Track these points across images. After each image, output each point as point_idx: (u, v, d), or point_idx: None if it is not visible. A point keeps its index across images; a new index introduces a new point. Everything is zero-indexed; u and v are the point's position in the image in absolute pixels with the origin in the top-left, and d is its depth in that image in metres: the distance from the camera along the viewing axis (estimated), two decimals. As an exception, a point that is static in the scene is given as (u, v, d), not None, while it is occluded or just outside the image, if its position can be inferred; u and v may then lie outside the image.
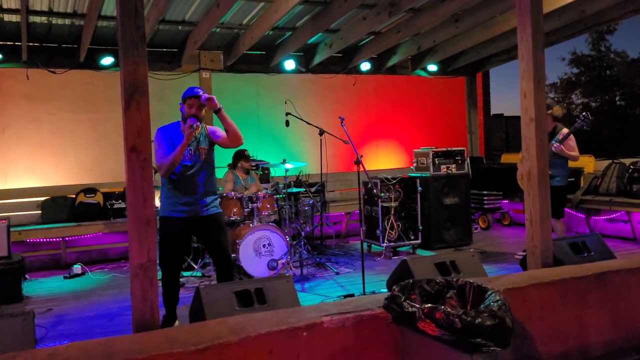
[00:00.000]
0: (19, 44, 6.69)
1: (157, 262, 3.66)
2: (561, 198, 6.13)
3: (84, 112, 7.78)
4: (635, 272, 3.68)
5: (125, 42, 2.91)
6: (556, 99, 25.89)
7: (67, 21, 6.48)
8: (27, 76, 7.16)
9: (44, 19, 6.32)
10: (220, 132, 4.26)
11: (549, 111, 6.10)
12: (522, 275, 3.66)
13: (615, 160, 7.76)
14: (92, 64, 7.27)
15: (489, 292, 2.79)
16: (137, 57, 2.92)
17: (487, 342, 2.45)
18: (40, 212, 7.18)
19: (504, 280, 3.45)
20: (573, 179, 6.67)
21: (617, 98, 24.66)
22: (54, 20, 6.42)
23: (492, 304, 2.64)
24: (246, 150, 6.61)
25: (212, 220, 4.20)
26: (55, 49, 7.17)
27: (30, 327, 3.00)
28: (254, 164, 7.09)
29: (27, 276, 6.16)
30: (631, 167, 7.38)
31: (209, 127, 4.34)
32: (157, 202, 6.98)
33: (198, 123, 4.03)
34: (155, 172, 6.27)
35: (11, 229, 5.79)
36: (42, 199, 7.24)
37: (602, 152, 14.62)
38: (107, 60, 7.26)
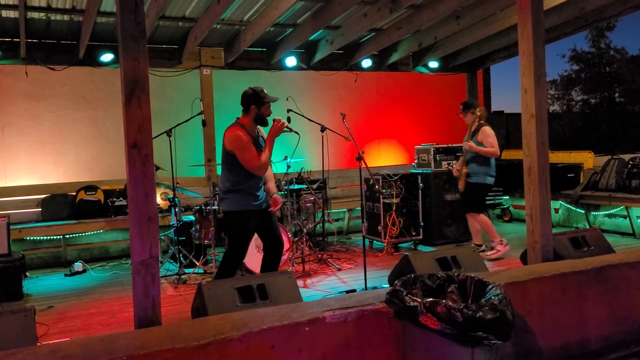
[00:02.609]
0: (17, 40, 6.67)
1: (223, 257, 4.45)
2: (477, 195, 6.22)
3: (84, 109, 7.77)
4: (634, 266, 3.70)
5: (125, 38, 2.91)
6: (556, 96, 25.88)
7: (66, 17, 6.45)
8: (26, 73, 7.14)
9: (42, 14, 6.30)
10: None
11: (470, 112, 6.24)
12: (522, 270, 3.68)
13: (614, 156, 7.76)
14: (91, 60, 7.25)
15: (489, 286, 2.80)
16: (137, 52, 2.92)
17: (488, 336, 2.46)
18: (40, 209, 7.17)
19: (505, 274, 3.47)
20: (493, 178, 6.49)
21: (616, 95, 24.60)
22: (53, 16, 6.40)
23: (492, 297, 2.65)
24: None
25: (268, 210, 4.61)
26: (54, 46, 7.15)
27: (31, 323, 3.00)
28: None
29: (27, 274, 6.17)
30: (630, 162, 7.39)
31: (263, 132, 4.66)
32: (159, 200, 7.03)
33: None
34: (157, 169, 6.29)
35: (11, 227, 5.79)
36: (42, 196, 7.23)
37: (602, 148, 14.65)
38: (106, 57, 7.23)
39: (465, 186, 6.27)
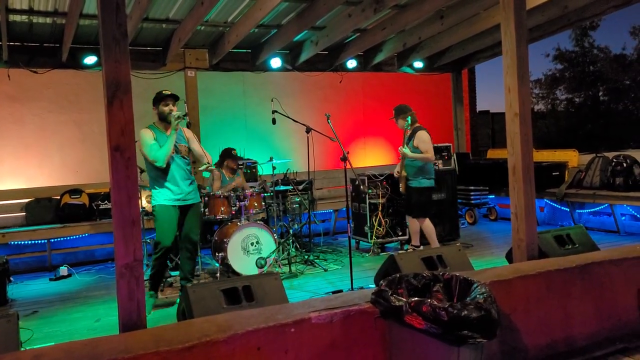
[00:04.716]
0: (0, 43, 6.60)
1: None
2: (417, 198, 6.21)
3: (68, 112, 7.70)
4: (618, 263, 3.73)
5: (107, 39, 2.88)
6: (541, 95, 26.12)
7: (49, 20, 6.39)
8: (9, 76, 7.05)
9: (24, 17, 6.23)
10: (196, 144, 5.13)
11: (401, 117, 6.31)
12: (507, 268, 3.70)
13: (598, 154, 7.84)
14: (74, 63, 7.17)
15: (474, 285, 2.81)
16: (118, 54, 2.89)
17: (474, 334, 2.47)
18: (24, 214, 7.09)
19: (490, 273, 3.48)
20: (432, 180, 6.28)
21: (600, 93, 24.87)
22: (35, 19, 6.33)
23: (478, 296, 2.66)
24: (234, 150, 6.59)
25: (193, 208, 5.02)
26: (36, 49, 7.06)
27: (14, 329, 2.96)
28: (240, 163, 7.07)
29: (11, 279, 6.08)
30: (614, 160, 7.46)
31: (185, 130, 5.11)
32: (145, 203, 6.97)
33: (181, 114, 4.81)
34: (142, 172, 6.24)
35: (-5, 231, 5.73)
36: (26, 200, 7.14)
37: (586, 146, 14.78)
38: (90, 60, 7.16)
39: (406, 189, 6.30)
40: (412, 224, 6.41)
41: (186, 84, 7.71)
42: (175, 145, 4.84)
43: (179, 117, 4.75)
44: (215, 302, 3.27)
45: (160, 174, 4.81)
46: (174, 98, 4.92)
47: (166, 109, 4.84)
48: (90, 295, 5.61)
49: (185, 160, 4.98)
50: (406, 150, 6.15)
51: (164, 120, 4.88)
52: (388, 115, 6.64)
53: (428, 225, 6.25)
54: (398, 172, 6.44)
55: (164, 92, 4.93)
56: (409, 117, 6.24)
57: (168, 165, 4.79)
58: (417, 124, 6.36)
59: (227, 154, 6.48)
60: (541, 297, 3.44)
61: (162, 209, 4.82)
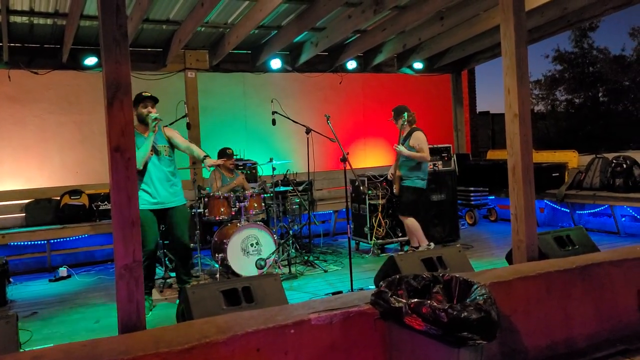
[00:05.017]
0: (0, 44, 6.59)
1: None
2: (409, 198, 6.25)
3: (69, 113, 7.70)
4: (619, 264, 3.73)
5: (107, 40, 2.88)
6: (541, 96, 26.13)
7: (49, 21, 6.39)
8: (9, 77, 7.05)
9: (25, 18, 6.23)
10: (179, 138, 5.12)
11: (400, 118, 6.37)
12: (507, 269, 3.69)
13: (598, 155, 7.83)
14: (75, 64, 7.17)
15: (474, 286, 2.81)
16: (119, 55, 2.89)
17: (473, 336, 2.47)
18: (24, 214, 7.08)
19: (490, 274, 3.48)
20: (424, 182, 6.30)
21: (600, 94, 24.90)
22: (36, 20, 6.33)
23: (477, 297, 2.66)
24: (229, 149, 6.59)
25: (177, 210, 4.99)
26: (37, 50, 7.06)
27: (13, 330, 2.96)
28: (240, 164, 7.07)
29: (11, 280, 6.08)
30: (614, 161, 7.46)
31: (165, 129, 5.12)
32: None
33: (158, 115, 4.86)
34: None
35: (-6, 232, 5.72)
36: (26, 201, 7.14)
37: (586, 147, 14.80)
38: (90, 61, 7.16)
39: (400, 189, 6.34)
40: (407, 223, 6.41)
41: (186, 85, 7.71)
42: (154, 147, 4.85)
43: (156, 119, 4.79)
44: (215, 303, 3.27)
45: (137, 177, 4.81)
46: (154, 100, 4.94)
47: (145, 110, 4.86)
48: (89, 296, 5.61)
49: (167, 161, 4.97)
50: (401, 148, 6.19)
51: (143, 122, 4.89)
52: (388, 116, 6.65)
53: (413, 223, 6.25)
54: (392, 173, 6.47)
55: (143, 94, 4.94)
56: (405, 113, 6.30)
57: (146, 167, 4.79)
58: (415, 126, 6.39)
59: (223, 153, 6.50)
60: (541, 298, 3.44)
61: (140, 213, 4.79)
